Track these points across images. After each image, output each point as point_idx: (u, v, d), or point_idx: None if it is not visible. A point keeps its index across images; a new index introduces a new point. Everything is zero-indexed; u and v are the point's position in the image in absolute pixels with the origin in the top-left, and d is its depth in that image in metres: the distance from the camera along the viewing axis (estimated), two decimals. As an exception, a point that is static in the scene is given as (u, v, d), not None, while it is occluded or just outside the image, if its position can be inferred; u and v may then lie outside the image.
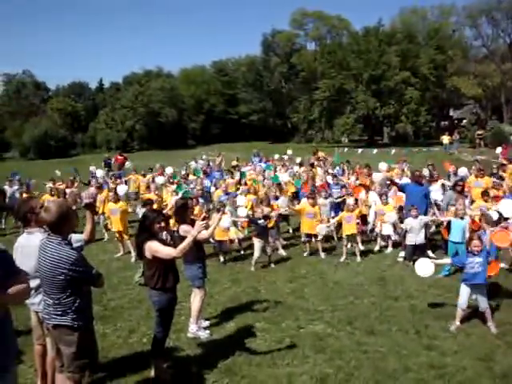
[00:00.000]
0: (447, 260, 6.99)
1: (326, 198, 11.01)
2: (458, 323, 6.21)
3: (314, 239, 9.95)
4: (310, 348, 5.76)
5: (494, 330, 6.04)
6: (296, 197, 12.78)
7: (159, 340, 5.01)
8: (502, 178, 12.22)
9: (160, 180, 15.24)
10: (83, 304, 3.94)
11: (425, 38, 49.05)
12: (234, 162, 20.68)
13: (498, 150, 20.31)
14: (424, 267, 6.51)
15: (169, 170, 17.44)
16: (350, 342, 5.88)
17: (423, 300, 7.14)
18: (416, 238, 8.77)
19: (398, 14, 52.38)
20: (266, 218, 9.34)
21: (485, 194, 9.75)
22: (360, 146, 36.48)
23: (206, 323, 6.51)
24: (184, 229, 5.83)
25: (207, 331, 6.27)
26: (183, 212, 6.14)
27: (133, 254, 9.93)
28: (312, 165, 17.00)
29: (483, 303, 6.17)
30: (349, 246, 9.79)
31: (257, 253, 9.19)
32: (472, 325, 6.28)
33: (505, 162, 14.67)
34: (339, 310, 6.93)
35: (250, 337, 6.12)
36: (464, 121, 51.26)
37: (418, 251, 8.79)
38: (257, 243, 9.21)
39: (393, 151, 26.80)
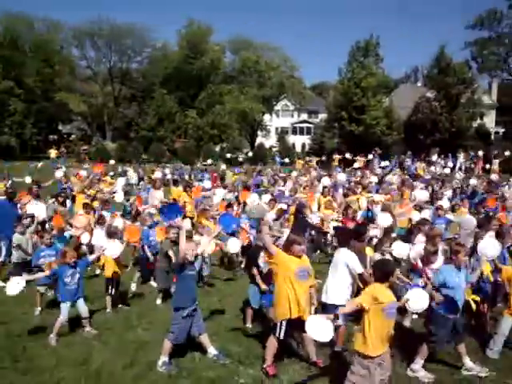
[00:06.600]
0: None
1: None
2: (53, 335, 6.15)
3: None
4: None
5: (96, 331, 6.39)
6: None
7: None
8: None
9: None
10: None
11: (32, 48, 47.52)
12: None
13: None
14: None
15: None
16: None
17: (21, 323, 6.77)
18: None
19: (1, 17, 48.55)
20: None
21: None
22: None
23: None
24: None
25: None
26: None
27: None
28: None
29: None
30: None
31: None
32: (72, 332, 6.39)
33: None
34: None
35: None
36: (72, 136, 52.72)
37: None
38: None
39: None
